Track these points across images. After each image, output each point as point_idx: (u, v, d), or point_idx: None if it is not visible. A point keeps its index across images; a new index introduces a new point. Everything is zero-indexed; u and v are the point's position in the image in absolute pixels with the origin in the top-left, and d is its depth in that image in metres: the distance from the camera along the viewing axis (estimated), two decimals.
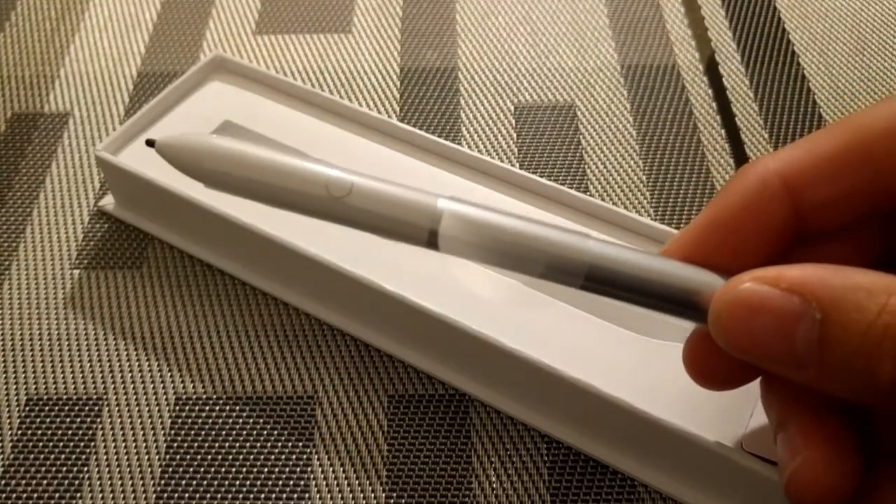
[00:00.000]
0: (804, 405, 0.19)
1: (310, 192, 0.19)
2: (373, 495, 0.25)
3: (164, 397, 0.27)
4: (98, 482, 0.25)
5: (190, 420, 0.27)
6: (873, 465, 0.18)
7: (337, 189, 0.19)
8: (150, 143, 0.20)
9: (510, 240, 0.19)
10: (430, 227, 0.19)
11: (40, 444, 0.26)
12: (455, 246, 0.19)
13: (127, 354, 0.28)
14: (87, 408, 0.27)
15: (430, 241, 0.19)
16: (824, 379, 0.17)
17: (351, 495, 0.25)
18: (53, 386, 0.27)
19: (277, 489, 0.25)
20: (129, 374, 0.28)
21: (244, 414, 0.27)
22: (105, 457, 0.26)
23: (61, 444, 0.26)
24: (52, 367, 0.28)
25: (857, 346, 0.16)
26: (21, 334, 0.29)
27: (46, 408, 0.27)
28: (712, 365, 0.20)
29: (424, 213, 0.19)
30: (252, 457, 0.26)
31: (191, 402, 0.27)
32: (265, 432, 0.26)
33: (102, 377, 0.27)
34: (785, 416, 0.19)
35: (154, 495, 0.25)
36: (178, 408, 0.27)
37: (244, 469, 0.25)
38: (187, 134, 0.20)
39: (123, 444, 0.26)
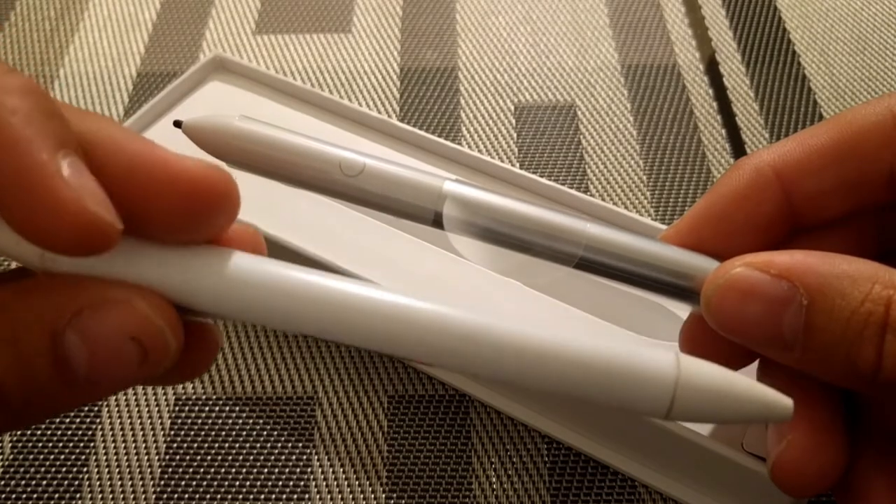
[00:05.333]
0: (795, 391, 0.19)
1: (325, 170, 0.21)
2: (373, 496, 0.25)
3: (164, 397, 0.27)
4: (98, 482, 0.25)
5: (190, 420, 0.27)
6: (862, 450, 0.18)
7: (350, 169, 0.20)
8: (177, 123, 0.22)
9: (514, 220, 0.20)
10: (435, 207, 0.20)
11: (40, 444, 0.26)
12: (459, 226, 0.20)
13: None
14: (87, 408, 0.27)
15: (436, 220, 0.20)
16: (809, 362, 0.17)
17: (351, 496, 0.25)
18: None
19: (277, 489, 0.25)
20: None
21: (244, 414, 0.27)
22: (105, 457, 0.26)
23: (61, 444, 0.26)
24: None
25: (840, 332, 0.17)
26: None
27: None
28: (707, 348, 0.21)
29: (431, 195, 0.20)
30: (252, 457, 0.26)
31: (191, 402, 0.27)
32: (265, 433, 0.26)
33: None
34: None
35: (154, 495, 0.25)
36: (177, 408, 0.27)
37: (244, 469, 0.25)
38: (214, 116, 0.21)
39: (123, 445, 0.26)
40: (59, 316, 0.14)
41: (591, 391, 0.15)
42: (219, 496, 0.25)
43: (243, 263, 0.16)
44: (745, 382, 0.16)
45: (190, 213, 0.15)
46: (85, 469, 0.26)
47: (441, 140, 0.30)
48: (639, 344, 0.16)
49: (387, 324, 0.15)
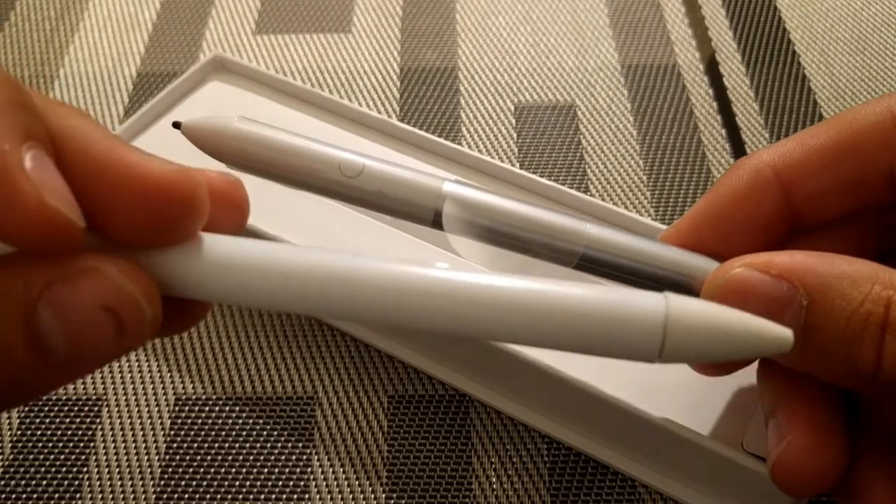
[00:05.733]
0: (794, 391, 0.19)
1: (324, 171, 0.21)
2: (373, 496, 0.25)
3: (164, 397, 0.27)
4: (98, 482, 0.25)
5: (190, 420, 0.27)
6: (862, 450, 0.19)
7: (349, 170, 0.20)
8: (176, 125, 0.22)
9: (514, 221, 0.20)
10: (435, 208, 0.20)
11: (40, 444, 0.26)
12: (458, 226, 0.20)
13: (126, 355, 0.28)
14: (86, 408, 0.27)
15: (436, 221, 0.20)
16: (809, 363, 0.17)
17: (351, 496, 0.25)
18: None
19: (277, 489, 0.25)
20: (129, 375, 0.27)
21: (244, 414, 0.27)
22: (105, 457, 0.26)
23: (61, 444, 0.26)
24: None
25: (839, 332, 0.17)
26: None
27: (46, 408, 0.27)
28: None
29: (430, 195, 0.20)
30: (252, 457, 0.26)
31: (190, 402, 0.27)
32: (265, 433, 0.26)
33: (102, 377, 0.27)
34: (775, 403, 0.19)
35: (154, 496, 0.25)
36: (177, 408, 0.27)
37: (244, 469, 0.25)
38: (213, 117, 0.21)
39: (123, 445, 0.26)
40: (30, 291, 0.14)
41: (578, 338, 0.15)
42: (219, 496, 0.25)
43: (217, 245, 0.15)
44: (738, 315, 0.15)
45: (154, 219, 0.15)
46: (85, 469, 0.25)
47: (441, 140, 0.30)
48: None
49: (381, 293, 0.15)
